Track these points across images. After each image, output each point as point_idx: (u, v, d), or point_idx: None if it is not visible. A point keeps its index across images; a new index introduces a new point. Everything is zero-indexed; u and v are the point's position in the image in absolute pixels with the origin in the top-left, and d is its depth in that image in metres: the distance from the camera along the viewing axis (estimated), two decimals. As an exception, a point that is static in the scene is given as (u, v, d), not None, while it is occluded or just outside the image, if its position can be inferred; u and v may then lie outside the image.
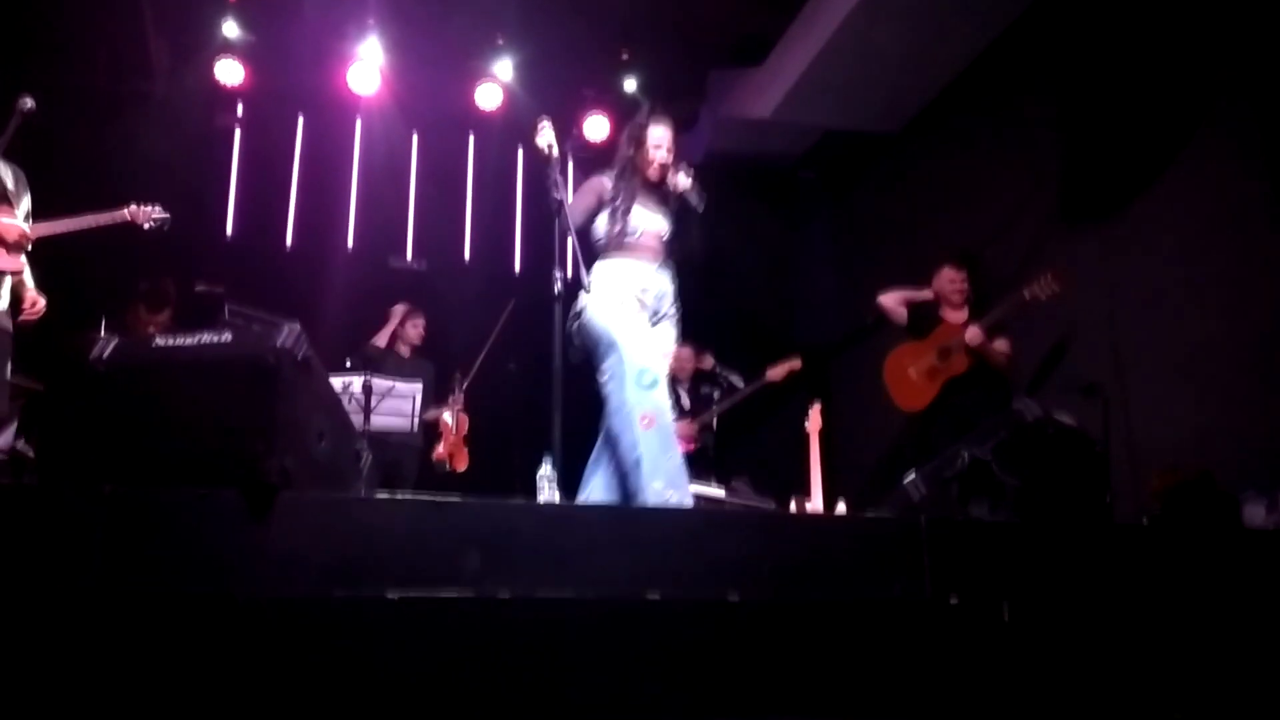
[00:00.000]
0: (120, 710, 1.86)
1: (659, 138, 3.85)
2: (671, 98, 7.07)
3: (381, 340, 6.09)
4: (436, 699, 1.99)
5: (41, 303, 4.07)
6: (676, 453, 3.55)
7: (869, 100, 6.57)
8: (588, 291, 3.78)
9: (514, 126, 6.91)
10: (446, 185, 7.63)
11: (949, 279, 5.27)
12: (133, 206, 4.52)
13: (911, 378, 5.27)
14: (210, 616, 1.95)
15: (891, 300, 5.40)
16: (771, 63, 6.70)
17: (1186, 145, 4.72)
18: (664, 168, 3.79)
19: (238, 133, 7.14)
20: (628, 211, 3.76)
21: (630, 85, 6.96)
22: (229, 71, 6.49)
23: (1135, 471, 4.59)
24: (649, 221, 3.79)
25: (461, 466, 6.01)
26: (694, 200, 3.70)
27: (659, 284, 3.78)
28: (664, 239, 3.82)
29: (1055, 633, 2.44)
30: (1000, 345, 5.02)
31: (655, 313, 3.77)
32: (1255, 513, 3.81)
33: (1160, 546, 2.83)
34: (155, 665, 1.90)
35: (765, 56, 6.74)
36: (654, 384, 3.56)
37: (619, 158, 3.91)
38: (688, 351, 6.41)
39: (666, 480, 3.47)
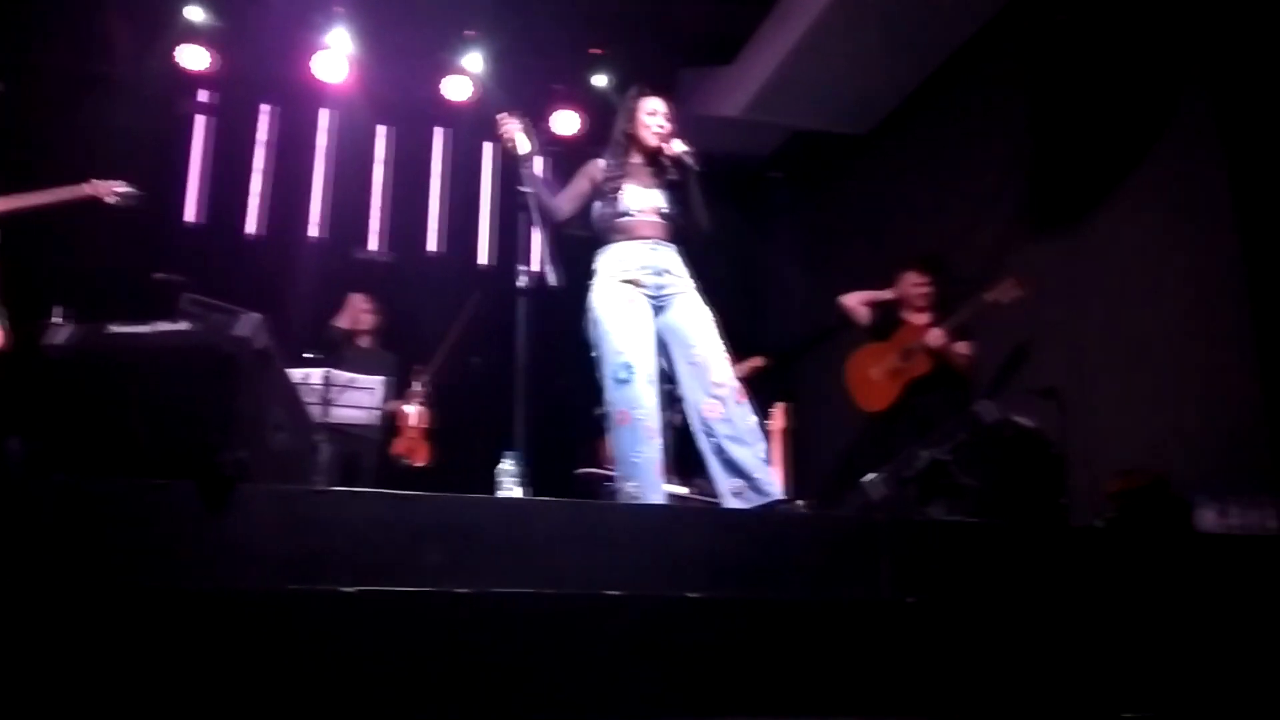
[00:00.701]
0: (71, 703, 1.83)
1: (654, 106, 3.80)
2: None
3: (343, 322, 5.99)
4: (392, 694, 1.97)
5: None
6: (651, 449, 3.49)
7: (838, 101, 6.60)
8: (555, 285, 3.76)
9: (483, 119, 6.85)
10: (413, 176, 7.57)
11: (912, 282, 5.31)
12: (95, 181, 4.42)
13: (873, 378, 5.31)
14: (163, 609, 1.92)
15: (854, 301, 5.43)
16: (742, 62, 6.71)
17: (1149, 152, 4.79)
18: (661, 135, 3.73)
19: (201, 119, 7.03)
20: (618, 191, 3.70)
21: (601, 81, 6.94)
22: (193, 56, 6.39)
23: (1092, 474, 4.64)
24: (644, 199, 3.71)
25: (421, 461, 5.94)
26: (690, 160, 3.64)
27: (658, 261, 3.66)
28: (664, 213, 3.73)
29: (1011, 632, 2.46)
30: (962, 348, 5.06)
31: (659, 289, 3.66)
32: (1207, 516, 3.87)
33: (1114, 549, 2.87)
34: (106, 658, 1.87)
35: (736, 56, 6.75)
36: (628, 379, 3.51)
37: (611, 138, 3.86)
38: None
39: (639, 479, 3.45)
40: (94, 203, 4.41)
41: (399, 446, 5.91)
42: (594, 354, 3.64)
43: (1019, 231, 5.56)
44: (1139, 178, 4.84)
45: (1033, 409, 4.12)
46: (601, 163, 3.81)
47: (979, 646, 2.40)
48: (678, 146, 3.69)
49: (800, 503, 5.23)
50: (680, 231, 3.77)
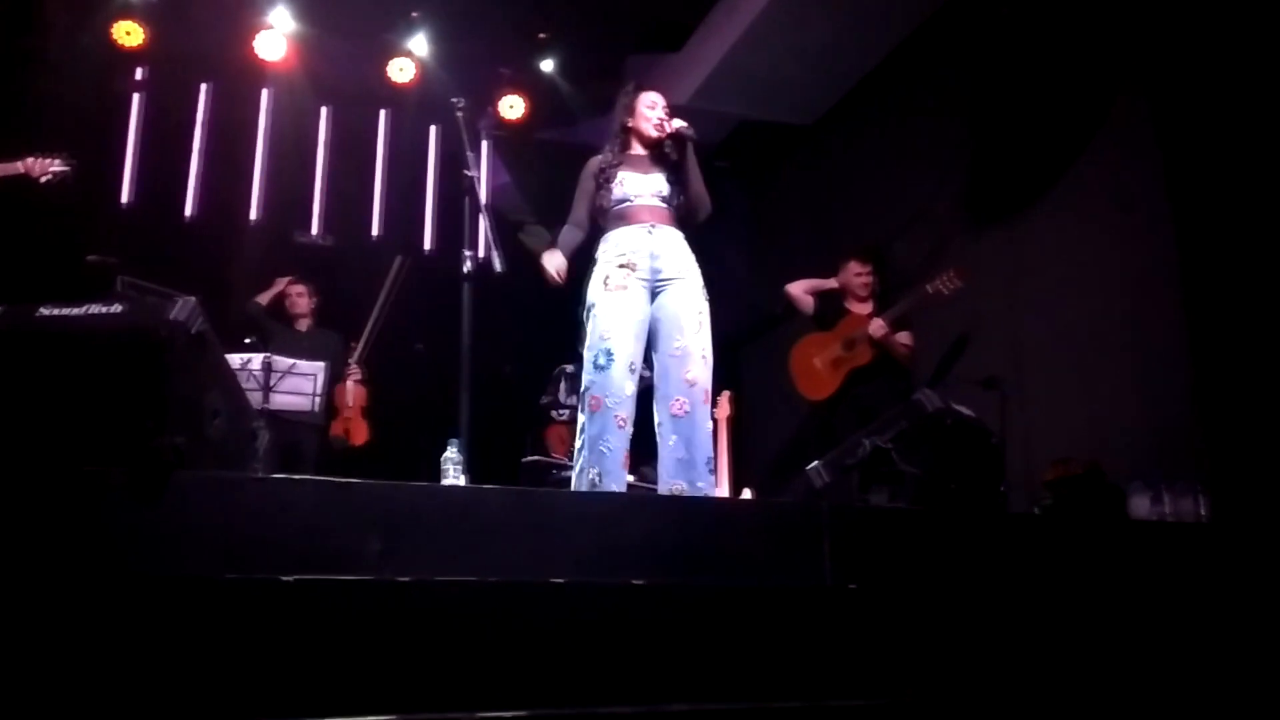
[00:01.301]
0: (3, 695, 1.78)
1: (653, 99, 3.84)
2: (589, 80, 7.05)
3: (264, 299, 5.89)
4: (332, 683, 1.95)
5: None
6: (618, 439, 3.48)
7: (784, 91, 6.63)
8: (500, 271, 3.75)
9: (428, 102, 6.78)
10: (356, 160, 7.45)
11: (854, 272, 5.37)
12: (29, 159, 4.26)
13: (816, 367, 5.35)
14: (98, 598, 1.87)
15: (798, 289, 5.47)
16: (689, 50, 6.71)
17: (1086, 145, 4.88)
18: (662, 124, 3.74)
19: (136, 97, 6.83)
20: (614, 178, 3.70)
21: (547, 66, 6.91)
22: (128, 33, 6.22)
23: (1030, 462, 4.74)
24: (643, 184, 3.71)
25: (359, 440, 5.85)
26: (689, 133, 3.67)
27: (652, 245, 3.64)
28: (664, 197, 3.72)
29: (951, 618, 2.50)
30: (903, 338, 5.13)
31: (656, 274, 3.64)
32: (1140, 504, 3.96)
33: (1050, 536, 2.92)
34: (40, 647, 1.82)
35: (683, 43, 6.74)
36: (606, 365, 3.50)
37: (610, 132, 3.87)
38: None
39: (603, 468, 3.45)
40: (27, 180, 4.25)
41: (336, 427, 5.82)
42: (585, 340, 3.63)
43: (959, 223, 5.64)
44: (1076, 171, 4.93)
45: (973, 398, 4.19)
46: (597, 158, 3.81)
47: (920, 632, 2.44)
48: (676, 123, 3.72)
49: (745, 491, 5.28)
50: (681, 214, 3.76)
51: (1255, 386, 3.99)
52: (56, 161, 4.25)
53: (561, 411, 6.23)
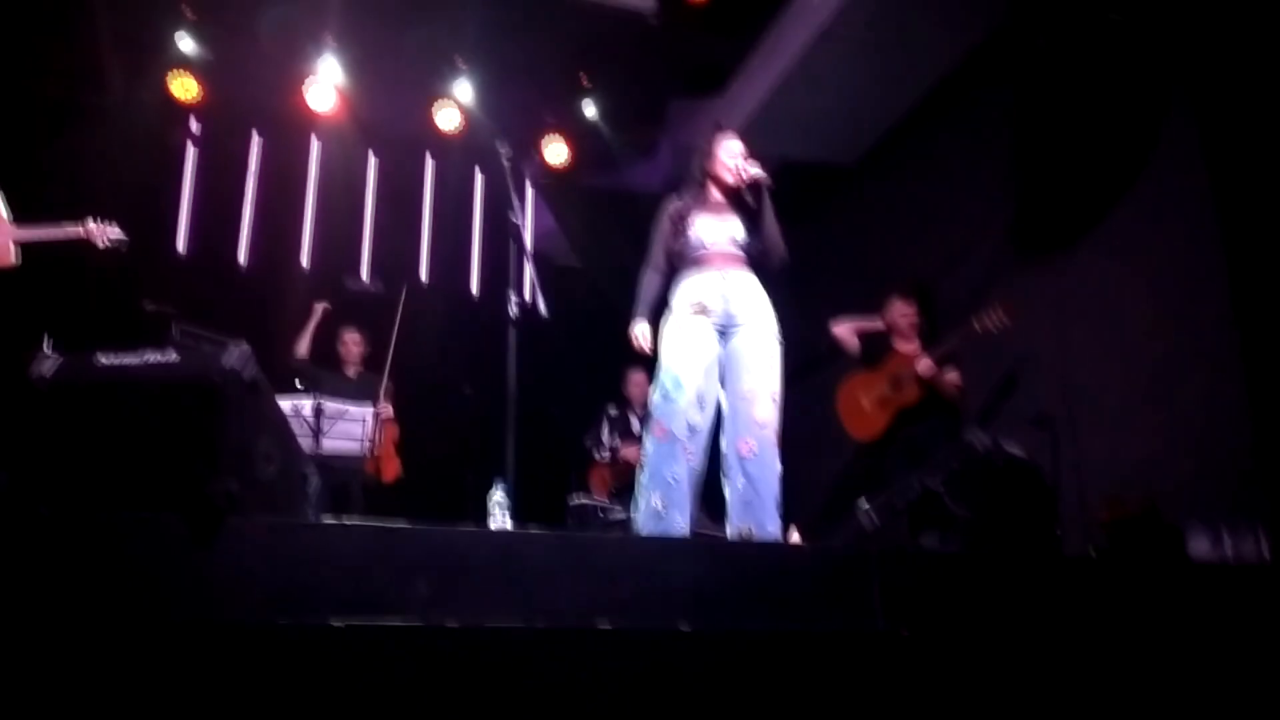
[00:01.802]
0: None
1: (735, 148, 3.84)
2: (632, 124, 7.13)
3: (302, 348, 5.95)
4: (381, 730, 1.95)
5: None
6: (684, 471, 3.50)
7: (826, 132, 6.65)
8: (545, 315, 3.79)
9: (473, 148, 6.89)
10: (403, 206, 7.59)
11: (900, 311, 5.33)
12: (90, 224, 4.45)
13: (864, 407, 5.31)
14: (151, 643, 1.89)
15: (844, 330, 5.44)
16: (731, 93, 6.76)
17: (1136, 179, 4.83)
18: (740, 170, 3.76)
19: (191, 149, 7.04)
20: (691, 223, 3.74)
21: (590, 111, 6.98)
22: (184, 87, 6.40)
23: (1083, 502, 4.65)
24: (718, 230, 3.74)
25: (390, 477, 5.81)
26: (766, 182, 3.69)
27: (728, 289, 3.68)
28: (740, 243, 3.75)
29: (1006, 664, 2.45)
30: (952, 376, 5.07)
31: (729, 317, 3.67)
32: (1199, 545, 3.87)
33: (1107, 578, 2.86)
34: (92, 692, 1.84)
35: (725, 87, 6.79)
36: (673, 396, 3.53)
37: (689, 175, 3.90)
38: (643, 377, 6.41)
39: (664, 496, 3.45)
40: (87, 242, 4.44)
41: (369, 465, 5.79)
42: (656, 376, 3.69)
43: (1007, 259, 5.59)
44: (1126, 204, 4.88)
45: (1024, 437, 4.12)
46: (675, 200, 3.85)
47: (974, 678, 2.39)
48: (754, 169, 3.73)
49: (793, 533, 5.23)
50: (756, 259, 3.79)
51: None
52: (115, 228, 4.46)
53: (605, 453, 6.24)
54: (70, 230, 4.43)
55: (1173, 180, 4.64)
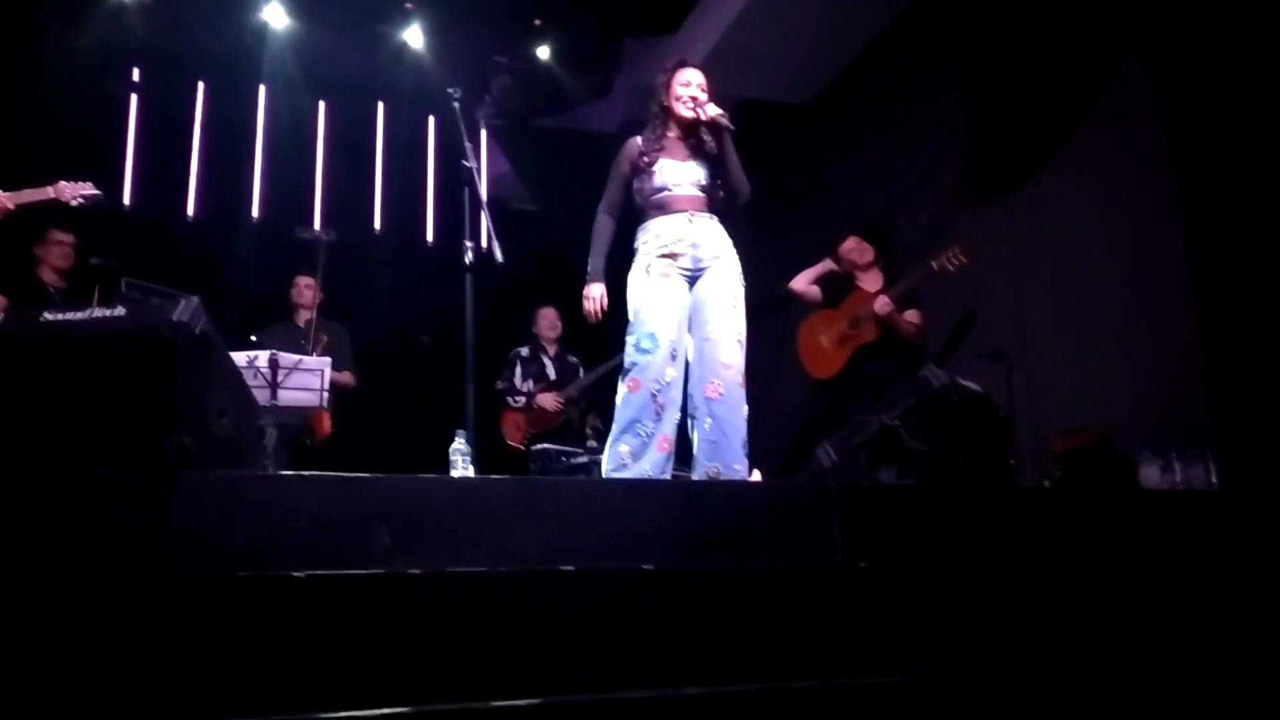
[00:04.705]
0: (14, 696, 1.79)
1: (689, 76, 3.78)
2: (586, 66, 7.03)
3: (300, 320, 5.82)
4: (347, 677, 1.95)
5: None
6: (656, 425, 3.49)
7: (781, 70, 6.60)
8: (500, 261, 3.75)
9: (424, 93, 6.76)
10: (355, 154, 7.46)
11: (857, 249, 5.36)
12: (61, 183, 4.34)
13: (823, 345, 5.35)
14: (108, 600, 1.88)
15: (801, 284, 5.44)
16: (685, 31, 6.67)
17: (1088, 116, 4.85)
18: (697, 102, 3.70)
19: (134, 98, 6.85)
20: (653, 166, 3.68)
21: (544, 53, 6.87)
22: (124, 34, 6.20)
23: (1038, 435, 4.73)
24: (682, 173, 3.69)
25: (323, 432, 5.44)
26: (725, 123, 3.63)
27: (694, 233, 3.64)
28: (703, 186, 3.70)
29: (963, 594, 2.50)
30: (910, 315, 5.11)
31: (697, 263, 3.65)
32: (1150, 473, 3.96)
33: (1061, 508, 2.92)
34: (52, 650, 1.83)
35: (680, 24, 6.71)
36: (650, 349, 3.51)
37: (649, 114, 3.83)
38: (553, 313, 6.33)
39: (633, 447, 3.46)
40: (57, 203, 4.33)
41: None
42: (628, 327, 3.64)
43: (962, 197, 5.61)
44: (1078, 141, 4.90)
45: (980, 373, 4.18)
46: (638, 140, 3.79)
47: (931, 608, 2.44)
48: (712, 110, 3.68)
49: (755, 472, 5.28)
50: (719, 202, 3.75)
51: (1263, 351, 3.97)
52: (88, 185, 4.33)
53: (518, 398, 6.15)
54: (39, 193, 4.31)
55: (1125, 116, 4.66)
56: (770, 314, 6.99)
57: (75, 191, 4.33)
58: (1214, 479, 3.85)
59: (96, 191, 4.39)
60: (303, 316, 5.84)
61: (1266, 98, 4.01)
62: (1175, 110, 4.37)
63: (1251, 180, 4.06)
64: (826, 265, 5.41)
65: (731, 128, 3.67)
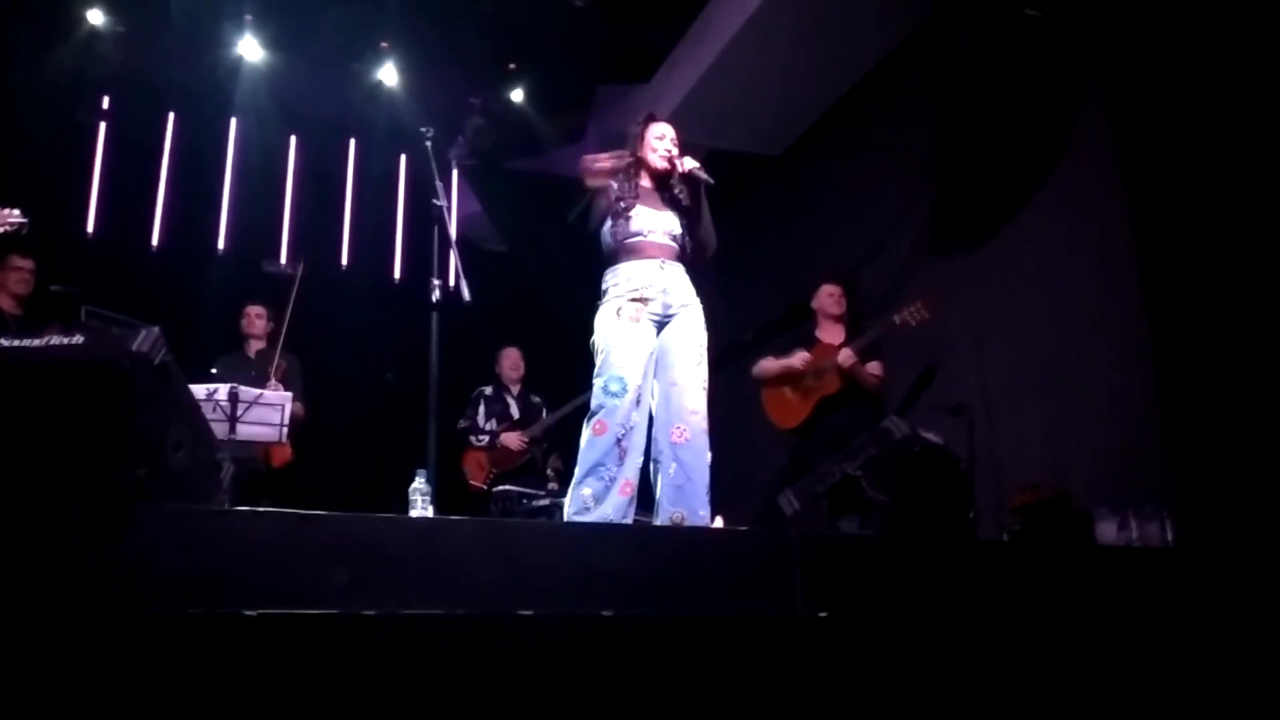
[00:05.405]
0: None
1: (661, 131, 3.86)
2: (559, 110, 7.08)
3: (250, 351, 5.77)
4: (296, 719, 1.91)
5: None
6: (620, 470, 3.49)
7: (751, 122, 6.68)
8: (468, 300, 3.75)
9: (397, 131, 6.78)
10: (325, 189, 7.43)
11: (827, 293, 5.40)
12: None
13: (787, 396, 5.37)
14: (58, 634, 1.83)
15: (765, 368, 5.43)
16: (658, 81, 6.75)
17: (1048, 177, 4.95)
18: (670, 156, 3.77)
19: (102, 126, 6.80)
20: (629, 211, 3.72)
21: (517, 96, 6.92)
22: (94, 62, 6.17)
23: (997, 488, 4.76)
24: (656, 221, 3.74)
25: (280, 462, 5.46)
26: (702, 175, 3.69)
27: (665, 280, 3.69)
28: (675, 236, 3.76)
29: (920, 645, 2.50)
30: (873, 367, 5.15)
31: (666, 309, 3.68)
32: (1107, 529, 4.00)
33: (1018, 562, 2.94)
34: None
35: (652, 74, 6.79)
36: (618, 393, 3.51)
37: (619, 165, 3.86)
38: (515, 353, 6.34)
39: (595, 490, 3.45)
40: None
41: (257, 450, 5.51)
42: (596, 368, 3.64)
43: (927, 250, 5.69)
44: (1039, 201, 5.00)
45: (941, 425, 4.21)
46: (614, 184, 3.82)
47: (890, 659, 2.43)
48: (689, 163, 3.75)
49: (717, 520, 5.26)
50: (689, 253, 3.81)
51: (1220, 410, 4.03)
52: (15, 212, 4.24)
53: (480, 437, 6.12)
54: None
55: (1085, 177, 4.77)
56: (731, 364, 7.04)
57: (3, 218, 4.24)
58: (1170, 536, 3.89)
59: (22, 219, 4.28)
60: (253, 347, 5.78)
61: (1222, 160, 4.12)
62: (1133, 171, 4.47)
63: (1208, 240, 4.16)
64: (793, 363, 5.33)
65: (710, 180, 3.73)
